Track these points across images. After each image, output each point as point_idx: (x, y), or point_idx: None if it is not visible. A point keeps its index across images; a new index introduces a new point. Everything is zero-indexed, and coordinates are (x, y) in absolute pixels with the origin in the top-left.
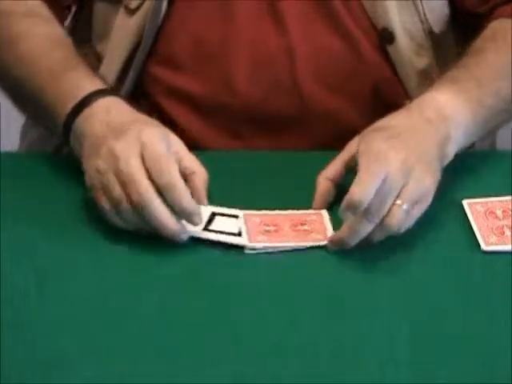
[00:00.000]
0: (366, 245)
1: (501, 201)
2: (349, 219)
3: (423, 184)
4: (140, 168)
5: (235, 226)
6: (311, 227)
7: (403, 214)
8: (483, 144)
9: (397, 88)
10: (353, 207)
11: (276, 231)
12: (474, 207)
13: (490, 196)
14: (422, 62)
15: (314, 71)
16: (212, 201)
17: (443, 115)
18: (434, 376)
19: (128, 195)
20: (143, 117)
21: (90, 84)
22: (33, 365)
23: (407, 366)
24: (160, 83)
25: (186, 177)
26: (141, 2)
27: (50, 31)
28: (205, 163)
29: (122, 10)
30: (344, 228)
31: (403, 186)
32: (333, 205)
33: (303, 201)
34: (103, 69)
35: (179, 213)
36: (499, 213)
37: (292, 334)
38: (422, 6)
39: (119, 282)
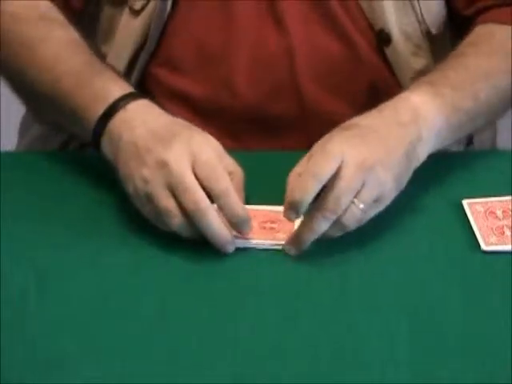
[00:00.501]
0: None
1: (501, 201)
2: (304, 218)
3: (383, 186)
4: (193, 177)
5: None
6: (279, 226)
7: (359, 214)
8: (483, 144)
9: (395, 89)
10: (293, 207)
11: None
12: (473, 207)
13: (490, 196)
14: (419, 62)
15: (314, 73)
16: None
17: (416, 116)
18: (434, 376)
19: (181, 205)
20: (181, 121)
21: (119, 87)
22: (33, 365)
23: (407, 366)
24: (161, 84)
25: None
26: (145, 2)
27: (67, 35)
28: None
29: (126, 11)
30: (300, 227)
31: (362, 186)
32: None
33: None
34: None
35: (231, 219)
36: (499, 213)
37: (292, 334)
38: (419, 6)
39: (119, 282)
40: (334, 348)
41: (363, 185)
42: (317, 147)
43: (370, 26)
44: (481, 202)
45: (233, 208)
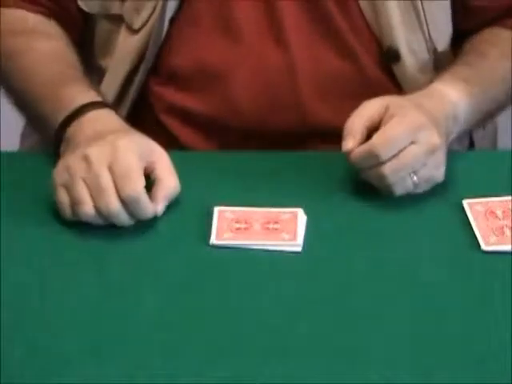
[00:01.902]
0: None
1: (501, 201)
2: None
3: (438, 169)
4: (108, 178)
5: None
6: (282, 226)
7: (411, 186)
8: (484, 144)
9: None
10: (369, 158)
11: (246, 229)
12: (473, 207)
13: (490, 196)
14: (424, 78)
15: (317, 89)
16: (214, 200)
17: (454, 114)
18: (434, 376)
19: (93, 199)
20: (127, 127)
21: (84, 97)
22: (33, 365)
23: (407, 366)
24: (161, 100)
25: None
26: (144, 23)
27: (50, 46)
28: (206, 163)
29: (123, 28)
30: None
31: (422, 165)
32: (309, 202)
33: (303, 200)
34: (105, 84)
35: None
36: (499, 213)
37: (292, 334)
38: (426, 24)
39: (119, 282)
40: (334, 348)
41: (424, 164)
42: (395, 109)
43: (376, 43)
44: (481, 202)
45: (141, 214)
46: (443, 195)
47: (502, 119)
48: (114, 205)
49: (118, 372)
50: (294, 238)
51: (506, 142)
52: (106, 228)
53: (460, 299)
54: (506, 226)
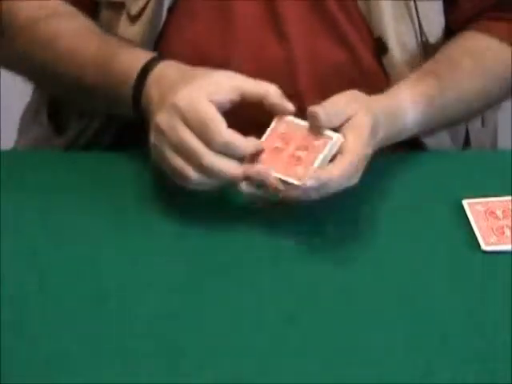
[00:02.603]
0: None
1: (501, 201)
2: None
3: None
4: (192, 138)
5: None
6: (305, 157)
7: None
8: (483, 144)
9: None
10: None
11: (279, 151)
12: (473, 207)
13: (490, 196)
14: (411, 71)
15: (315, 81)
16: (215, 199)
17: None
18: (434, 376)
19: (191, 162)
20: (187, 75)
21: (140, 57)
22: (33, 365)
23: (407, 366)
24: None
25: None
26: (142, 7)
27: (77, 25)
28: None
29: (124, 18)
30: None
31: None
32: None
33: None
34: None
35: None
36: (499, 213)
37: (292, 334)
38: (417, 16)
39: (119, 282)
40: (334, 348)
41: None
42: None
43: (370, 34)
44: (481, 202)
45: (239, 150)
46: (443, 195)
47: (502, 119)
48: (210, 161)
49: (118, 372)
50: (304, 176)
51: (506, 142)
52: (106, 228)
53: (460, 299)
54: (506, 226)
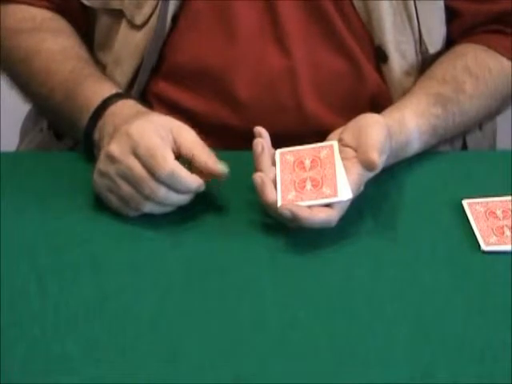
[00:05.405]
0: None
1: (501, 201)
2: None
3: None
4: (138, 167)
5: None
6: (322, 180)
7: None
8: (483, 144)
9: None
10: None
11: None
12: (473, 207)
13: (490, 196)
14: (409, 81)
15: (316, 89)
16: (215, 200)
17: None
18: (434, 376)
19: (137, 191)
20: (142, 111)
21: (106, 90)
22: (33, 365)
23: (407, 366)
24: (163, 99)
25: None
26: (146, 19)
27: (57, 45)
28: None
29: (124, 24)
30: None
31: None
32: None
33: None
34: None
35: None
36: (499, 213)
37: (292, 334)
38: (418, 26)
39: (119, 283)
40: (334, 348)
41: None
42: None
43: (371, 42)
44: (481, 202)
45: (183, 185)
46: (443, 195)
47: (502, 120)
48: (156, 189)
49: (118, 372)
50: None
51: (506, 142)
52: (106, 228)
53: (460, 299)
54: (506, 226)
